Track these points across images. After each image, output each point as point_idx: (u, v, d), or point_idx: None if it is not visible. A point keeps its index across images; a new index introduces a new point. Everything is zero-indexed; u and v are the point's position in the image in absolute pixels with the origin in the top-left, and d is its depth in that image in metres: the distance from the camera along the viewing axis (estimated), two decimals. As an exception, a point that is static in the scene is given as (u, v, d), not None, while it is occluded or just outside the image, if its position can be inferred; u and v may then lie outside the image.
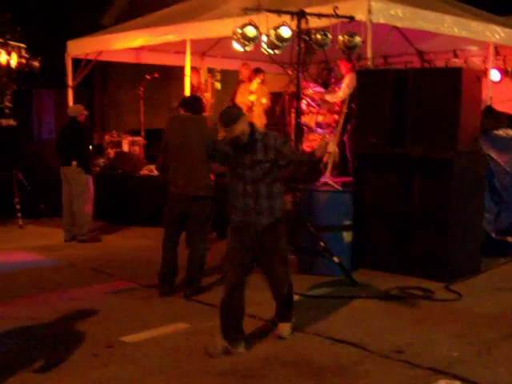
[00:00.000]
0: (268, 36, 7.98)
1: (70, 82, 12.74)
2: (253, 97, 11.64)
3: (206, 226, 7.14)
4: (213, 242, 9.27)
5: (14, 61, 12.01)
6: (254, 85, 11.79)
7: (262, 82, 11.90)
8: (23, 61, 12.00)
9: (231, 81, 13.81)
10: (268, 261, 5.52)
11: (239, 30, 8.00)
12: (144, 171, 11.70)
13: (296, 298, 6.79)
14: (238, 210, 5.35)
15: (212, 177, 7.16)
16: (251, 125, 5.29)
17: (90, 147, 10.63)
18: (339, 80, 11.07)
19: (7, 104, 12.35)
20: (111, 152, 12.83)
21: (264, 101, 11.81)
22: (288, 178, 5.56)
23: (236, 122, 5.14)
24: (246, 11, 8.19)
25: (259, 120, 11.52)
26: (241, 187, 5.31)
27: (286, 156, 5.29)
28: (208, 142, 6.74)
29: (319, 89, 11.37)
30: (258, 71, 11.88)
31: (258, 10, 7.87)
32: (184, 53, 10.98)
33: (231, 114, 5.23)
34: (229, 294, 5.38)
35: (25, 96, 12.96)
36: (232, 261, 5.39)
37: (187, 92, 10.86)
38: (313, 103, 11.11)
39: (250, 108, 11.60)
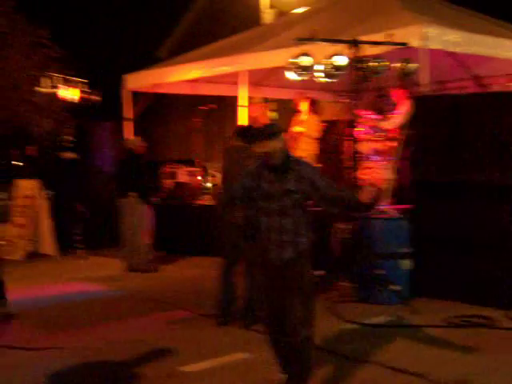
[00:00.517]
0: (323, 65, 8.02)
1: (127, 114, 13.00)
2: (299, 128, 11.57)
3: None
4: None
5: (75, 95, 12.35)
6: (303, 116, 11.63)
7: (312, 111, 11.68)
8: (84, 95, 12.32)
9: (287, 110, 13.88)
10: (286, 299, 4.80)
11: (294, 60, 8.05)
12: (200, 201, 11.81)
13: (354, 326, 6.77)
14: (258, 244, 4.89)
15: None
16: (286, 151, 4.80)
17: (150, 179, 10.80)
18: (394, 107, 11.00)
19: (68, 137, 12.66)
20: (169, 183, 12.99)
21: (312, 133, 11.58)
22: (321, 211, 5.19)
23: (270, 138, 4.71)
24: (300, 41, 8.24)
25: (304, 152, 11.51)
26: (265, 220, 4.82)
27: (321, 190, 4.77)
28: None
29: (374, 116, 11.32)
30: (314, 102, 11.74)
31: (312, 39, 7.92)
32: (239, 83, 11.10)
33: (266, 129, 4.86)
34: (272, 327, 4.98)
35: (85, 129, 13.27)
36: (266, 295, 4.96)
37: (242, 122, 10.96)
38: (368, 130, 11.06)
39: (296, 139, 11.56)
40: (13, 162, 12.88)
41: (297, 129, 11.52)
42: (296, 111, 12.17)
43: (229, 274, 7.12)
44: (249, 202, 4.92)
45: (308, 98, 11.72)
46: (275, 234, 4.77)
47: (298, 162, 4.89)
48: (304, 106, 11.52)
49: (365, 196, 4.81)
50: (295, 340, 4.73)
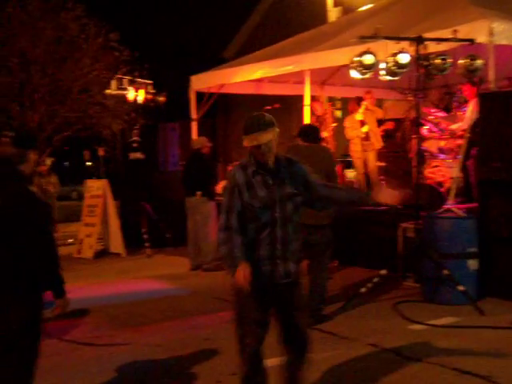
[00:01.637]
0: (386, 63, 7.95)
1: (193, 115, 13.16)
2: (366, 128, 11.50)
3: (327, 254, 7.14)
4: (334, 270, 9.25)
5: (141, 97, 12.56)
6: (359, 116, 11.54)
7: (368, 109, 11.59)
8: (150, 96, 12.53)
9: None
10: (289, 314, 4.34)
11: (357, 58, 8.01)
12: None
13: (419, 327, 6.70)
14: (258, 261, 4.14)
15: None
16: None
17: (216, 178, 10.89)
18: (462, 104, 10.83)
19: (135, 138, 12.90)
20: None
21: (365, 129, 11.53)
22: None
23: (264, 129, 4.08)
24: (363, 39, 8.19)
25: (376, 144, 11.49)
26: (266, 232, 4.10)
27: (316, 190, 4.29)
28: (330, 171, 6.83)
29: (441, 114, 11.17)
30: (359, 100, 11.67)
31: (375, 37, 7.86)
32: (303, 83, 11.11)
33: (260, 119, 4.13)
34: (250, 365, 4.32)
35: (151, 130, 13.50)
36: (248, 322, 4.28)
37: (307, 121, 10.95)
38: (435, 128, 10.93)
39: (367, 138, 11.51)
40: (85, 163, 13.21)
41: (365, 129, 11.44)
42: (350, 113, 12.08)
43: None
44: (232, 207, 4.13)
45: (364, 98, 11.61)
46: (280, 246, 4.14)
47: (288, 159, 4.29)
48: (362, 108, 11.47)
49: (383, 197, 4.37)
50: (305, 339, 4.40)
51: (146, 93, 12.54)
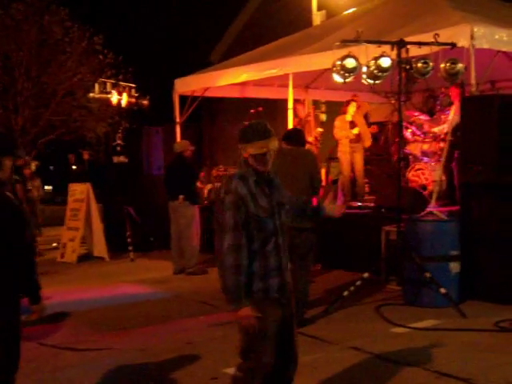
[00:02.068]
0: (368, 67, 7.96)
1: (177, 118, 13.15)
2: (356, 130, 11.50)
3: (309, 258, 7.14)
4: (317, 273, 9.26)
5: (124, 100, 12.55)
6: (349, 116, 11.55)
7: (358, 108, 11.60)
8: (133, 100, 12.52)
9: (336, 112, 13.84)
10: (290, 323, 4.23)
11: (339, 62, 8.02)
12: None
13: (401, 330, 6.72)
14: (268, 274, 4.02)
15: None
16: None
17: (197, 182, 10.86)
18: (445, 108, 10.88)
19: (119, 142, 12.88)
20: (217, 185, 13.07)
21: (355, 131, 11.54)
22: None
23: (273, 136, 4.03)
24: (345, 43, 8.21)
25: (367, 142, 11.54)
26: (272, 242, 4.02)
27: (287, 198, 4.30)
28: (314, 174, 6.85)
29: (424, 117, 11.22)
30: (348, 101, 11.68)
31: (357, 41, 7.87)
32: (287, 86, 11.13)
33: (265, 126, 4.03)
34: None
35: (135, 133, 13.47)
36: (270, 343, 4.06)
37: (291, 125, 10.97)
38: (418, 132, 10.97)
39: (356, 140, 11.52)
40: (71, 167, 13.17)
41: (355, 131, 11.43)
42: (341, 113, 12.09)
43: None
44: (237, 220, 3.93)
45: (353, 99, 11.64)
46: (283, 255, 4.12)
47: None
48: (352, 108, 11.47)
49: (328, 209, 4.54)
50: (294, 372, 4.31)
51: (129, 96, 12.53)
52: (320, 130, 12.75)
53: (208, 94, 13.33)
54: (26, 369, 4.37)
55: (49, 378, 5.73)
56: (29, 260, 4.15)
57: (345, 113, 11.61)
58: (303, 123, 12.04)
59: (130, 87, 12.83)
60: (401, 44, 7.75)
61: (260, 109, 13.15)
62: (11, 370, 4.18)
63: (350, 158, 11.59)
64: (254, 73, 11.62)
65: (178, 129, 13.10)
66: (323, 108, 15.17)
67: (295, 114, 11.58)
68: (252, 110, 13.21)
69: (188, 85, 13.08)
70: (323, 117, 14.80)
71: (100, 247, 12.06)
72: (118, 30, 24.84)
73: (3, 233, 4.02)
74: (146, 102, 12.82)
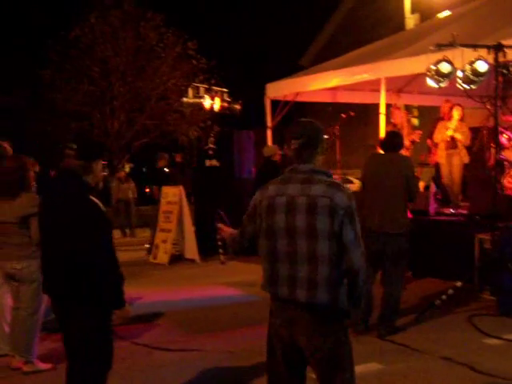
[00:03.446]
0: (463, 71, 7.80)
1: (268, 122, 13.23)
2: (450, 132, 11.26)
3: (402, 265, 7.04)
4: (408, 281, 9.12)
5: (217, 105, 12.71)
6: (454, 123, 11.31)
7: (461, 119, 11.40)
8: (225, 104, 12.66)
9: (429, 117, 13.61)
10: None
11: (433, 67, 7.89)
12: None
13: (495, 341, 6.54)
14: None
15: (409, 215, 7.06)
16: None
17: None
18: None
19: (211, 145, 13.05)
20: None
21: (458, 136, 11.29)
22: None
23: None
24: (439, 47, 8.06)
25: (464, 157, 11.25)
26: None
27: None
28: (410, 180, 6.75)
29: (520, 122, 10.87)
30: (456, 107, 11.44)
31: (452, 45, 7.72)
32: (379, 91, 11.02)
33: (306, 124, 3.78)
34: None
35: (226, 137, 13.63)
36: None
37: (383, 129, 10.86)
38: (514, 137, 10.65)
39: (451, 144, 11.28)
40: (160, 169, 13.43)
41: (449, 132, 11.20)
42: (441, 118, 11.86)
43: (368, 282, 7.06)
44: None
45: (459, 104, 11.39)
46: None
47: None
48: (456, 113, 11.22)
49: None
50: None
51: (222, 101, 12.67)
52: (419, 131, 12.48)
53: (299, 98, 13.35)
54: (119, 367, 4.49)
55: (140, 377, 5.88)
56: (111, 265, 4.24)
57: (444, 117, 11.40)
58: (398, 128, 11.88)
59: (223, 92, 12.99)
60: (498, 47, 7.56)
61: (351, 113, 13.06)
62: (103, 368, 4.30)
63: (447, 163, 11.38)
64: (346, 77, 11.56)
65: (269, 133, 13.18)
66: (415, 113, 14.95)
67: (391, 119, 11.44)
68: (343, 115, 13.13)
69: (279, 89, 13.15)
70: (416, 121, 14.59)
71: (191, 249, 12.25)
72: (211, 35, 25.21)
73: (87, 238, 4.13)
74: (238, 107, 12.94)
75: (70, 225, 4.16)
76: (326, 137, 3.76)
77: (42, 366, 6.07)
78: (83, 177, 4.32)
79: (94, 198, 4.26)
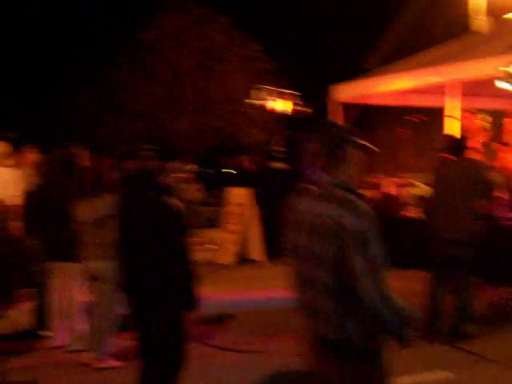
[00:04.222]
0: (537, 74, 7.64)
1: (332, 125, 13.16)
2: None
3: (471, 272, 6.94)
4: (481, 288, 8.96)
5: (288, 108, 12.75)
6: None
7: None
8: (297, 108, 12.68)
9: (500, 120, 13.34)
10: None
11: (505, 69, 7.75)
12: (406, 213, 11.68)
13: None
14: None
15: (481, 221, 6.95)
16: None
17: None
18: None
19: (277, 148, 13.10)
20: (374, 193, 12.96)
21: None
22: None
23: None
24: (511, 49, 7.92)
25: None
26: None
27: None
28: (482, 180, 6.65)
29: None
30: None
31: (525, 47, 7.57)
32: (448, 93, 10.87)
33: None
34: None
35: (293, 140, 13.67)
36: None
37: (450, 133, 10.69)
38: None
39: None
40: (224, 171, 13.57)
41: None
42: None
43: (436, 289, 7.00)
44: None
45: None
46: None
47: None
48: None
49: None
50: None
51: (293, 104, 12.73)
52: (489, 135, 12.24)
53: (365, 101, 13.26)
54: (189, 368, 4.56)
55: (209, 377, 5.97)
56: (186, 266, 4.31)
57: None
58: (468, 131, 11.68)
59: (294, 95, 13.03)
60: None
61: (420, 117, 12.92)
62: (176, 368, 4.39)
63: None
64: (414, 80, 11.41)
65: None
66: (486, 116, 14.68)
67: (460, 122, 11.27)
68: (411, 118, 13.00)
69: (345, 92, 13.06)
70: (486, 125, 14.33)
71: (257, 250, 12.33)
72: (277, 37, 25.27)
73: (162, 239, 4.22)
74: (308, 110, 12.96)
75: (145, 226, 4.26)
76: (362, 142, 3.23)
77: (113, 363, 6.22)
78: (159, 178, 4.42)
79: (169, 199, 4.35)
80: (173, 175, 4.58)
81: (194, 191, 17.47)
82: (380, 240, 3.04)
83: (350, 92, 13.02)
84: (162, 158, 4.50)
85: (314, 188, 3.23)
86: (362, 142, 3.23)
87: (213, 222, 14.16)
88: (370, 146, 3.23)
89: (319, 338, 3.19)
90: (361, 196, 3.14)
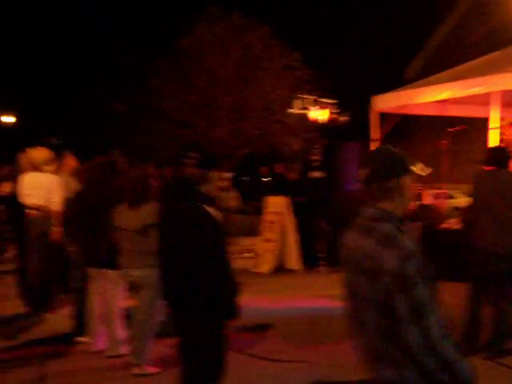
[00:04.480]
0: None
1: (373, 135, 13.09)
2: None
3: (509, 286, 6.82)
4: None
5: (325, 116, 12.71)
6: None
7: None
8: (334, 116, 12.63)
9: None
10: None
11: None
12: (445, 224, 11.56)
13: None
14: None
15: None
16: None
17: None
18: None
19: (315, 157, 13.05)
20: (413, 204, 12.85)
21: None
22: None
23: None
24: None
25: None
26: None
27: None
28: None
29: None
30: None
31: None
32: (490, 104, 10.74)
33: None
34: None
35: (331, 149, 13.62)
36: None
37: (491, 144, 10.57)
38: None
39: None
40: (262, 179, 13.57)
41: None
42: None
43: (476, 302, 6.90)
44: None
45: None
46: None
47: None
48: None
49: None
50: None
51: (330, 112, 12.68)
52: None
53: (405, 111, 13.16)
54: (227, 377, 4.56)
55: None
56: (225, 275, 4.30)
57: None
58: (507, 145, 11.54)
59: (331, 103, 12.99)
60: None
61: (463, 127, 12.78)
62: (217, 377, 4.38)
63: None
64: (457, 90, 11.28)
65: (373, 146, 13.04)
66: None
67: (501, 134, 11.14)
68: (452, 129, 12.87)
69: (386, 102, 12.98)
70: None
71: (294, 259, 12.30)
72: (316, 46, 25.30)
73: (202, 248, 4.21)
74: (346, 119, 12.91)
75: (186, 235, 4.26)
76: (417, 171, 2.98)
77: (152, 369, 6.24)
78: (199, 186, 4.42)
79: (208, 208, 4.34)
80: (213, 184, 4.58)
81: (231, 199, 17.52)
82: (427, 282, 2.76)
83: (390, 102, 12.94)
84: (203, 166, 4.50)
85: (359, 220, 2.96)
86: (418, 171, 2.99)
87: (250, 231, 14.17)
88: (425, 172, 2.99)
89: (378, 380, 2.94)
90: (405, 230, 2.87)
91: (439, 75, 12.54)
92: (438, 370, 2.73)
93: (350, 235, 3.00)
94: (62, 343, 7.21)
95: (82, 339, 7.15)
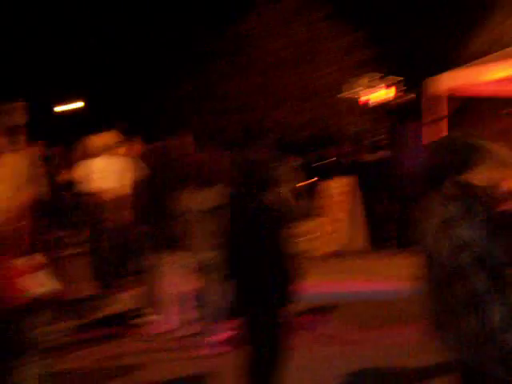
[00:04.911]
0: None
1: (427, 116, 12.80)
2: None
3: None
4: None
5: (391, 94, 12.52)
6: None
7: None
8: (400, 94, 12.44)
9: None
10: None
11: None
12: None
13: None
14: None
15: None
16: None
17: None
18: None
19: (382, 137, 12.89)
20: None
21: None
22: None
23: None
24: None
25: None
26: None
27: None
28: None
29: None
30: None
31: None
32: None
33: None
34: None
35: (395, 129, 13.46)
36: None
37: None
38: None
39: None
40: (329, 160, 13.54)
41: None
42: None
43: None
44: None
45: None
46: None
47: None
48: None
49: None
50: None
51: (396, 90, 12.48)
52: None
53: (468, 91, 12.83)
54: (290, 358, 4.64)
55: (309, 367, 5.98)
56: (287, 259, 4.37)
57: None
58: None
59: (398, 81, 12.80)
60: None
61: (512, 110, 12.42)
62: (278, 357, 4.48)
63: None
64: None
65: (434, 127, 12.78)
66: None
67: None
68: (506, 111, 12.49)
69: (442, 82, 12.69)
70: None
71: (361, 240, 12.23)
72: (380, 24, 24.94)
73: (263, 231, 4.27)
74: (411, 96, 12.69)
75: (246, 218, 4.34)
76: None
77: (220, 349, 6.36)
78: (273, 168, 4.48)
79: (274, 191, 4.40)
80: (283, 166, 4.62)
81: (296, 182, 17.54)
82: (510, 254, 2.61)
83: (447, 83, 12.64)
84: (274, 149, 4.55)
85: (443, 189, 2.90)
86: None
87: (315, 212, 14.14)
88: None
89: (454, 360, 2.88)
90: (492, 203, 2.75)
91: (498, 53, 12.17)
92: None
93: (432, 204, 2.95)
94: (134, 323, 7.40)
95: (153, 319, 7.32)
